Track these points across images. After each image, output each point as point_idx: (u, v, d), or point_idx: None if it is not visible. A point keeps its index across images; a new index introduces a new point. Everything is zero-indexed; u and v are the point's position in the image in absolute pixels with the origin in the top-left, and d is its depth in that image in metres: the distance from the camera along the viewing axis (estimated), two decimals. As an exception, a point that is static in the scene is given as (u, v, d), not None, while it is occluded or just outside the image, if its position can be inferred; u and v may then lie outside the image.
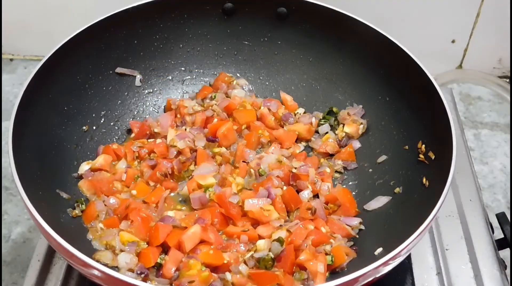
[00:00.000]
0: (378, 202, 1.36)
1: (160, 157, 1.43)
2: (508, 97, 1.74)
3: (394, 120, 1.45)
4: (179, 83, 1.64)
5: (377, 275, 1.07)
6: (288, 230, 1.27)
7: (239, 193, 1.36)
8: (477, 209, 1.45)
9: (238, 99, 1.57)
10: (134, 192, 1.37)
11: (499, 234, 1.41)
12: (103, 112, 1.51)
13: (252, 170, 1.41)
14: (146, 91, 1.60)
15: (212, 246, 1.23)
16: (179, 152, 1.44)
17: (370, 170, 1.46)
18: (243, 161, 1.44)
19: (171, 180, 1.41)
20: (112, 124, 1.53)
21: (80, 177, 1.39)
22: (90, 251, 1.23)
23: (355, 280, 1.01)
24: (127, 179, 1.39)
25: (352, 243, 1.30)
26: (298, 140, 1.55)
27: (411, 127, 1.39)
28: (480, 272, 1.32)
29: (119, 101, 1.55)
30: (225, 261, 1.21)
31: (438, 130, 1.27)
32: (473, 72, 1.85)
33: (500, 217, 1.43)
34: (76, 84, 1.44)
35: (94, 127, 1.49)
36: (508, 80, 2.09)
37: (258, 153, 1.48)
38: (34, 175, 1.22)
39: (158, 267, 1.22)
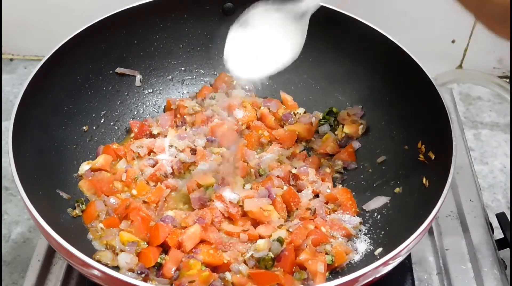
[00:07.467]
0: (378, 202, 1.36)
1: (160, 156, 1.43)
2: (508, 97, 1.74)
3: (394, 120, 1.45)
4: (179, 83, 1.64)
5: (377, 275, 1.07)
6: (288, 230, 1.27)
7: (239, 193, 1.36)
8: (477, 209, 1.45)
9: (238, 99, 1.57)
10: (134, 192, 1.37)
11: (499, 234, 1.41)
12: (103, 112, 1.51)
13: (252, 170, 1.41)
14: (146, 91, 1.60)
15: (212, 246, 1.23)
16: (179, 152, 1.44)
17: (370, 170, 1.46)
18: (243, 161, 1.44)
19: (171, 180, 1.41)
20: (112, 124, 1.53)
21: (80, 177, 1.39)
22: (90, 251, 1.23)
23: (355, 280, 1.01)
24: (127, 179, 1.39)
25: (352, 243, 1.30)
26: (298, 140, 1.55)
27: (411, 127, 1.39)
28: (480, 272, 1.32)
29: (119, 101, 1.55)
30: (225, 261, 1.21)
31: (438, 130, 1.27)
32: (473, 72, 1.84)
33: (500, 217, 1.42)
34: (76, 84, 1.44)
35: (94, 127, 1.49)
36: (508, 80, 2.09)
37: (258, 153, 1.48)
38: (34, 175, 1.21)
39: (158, 267, 1.22)
